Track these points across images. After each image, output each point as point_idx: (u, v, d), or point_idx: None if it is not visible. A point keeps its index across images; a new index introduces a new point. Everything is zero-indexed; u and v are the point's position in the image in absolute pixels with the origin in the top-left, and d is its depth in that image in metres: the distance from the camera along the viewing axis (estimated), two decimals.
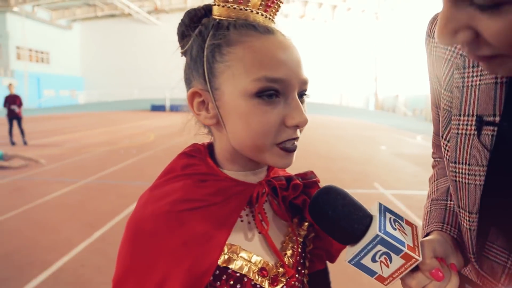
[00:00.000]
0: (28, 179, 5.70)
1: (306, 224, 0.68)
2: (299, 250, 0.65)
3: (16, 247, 3.20)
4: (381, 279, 0.52)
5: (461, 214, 0.59)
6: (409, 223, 0.56)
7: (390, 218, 0.54)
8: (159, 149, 8.30)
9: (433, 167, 0.83)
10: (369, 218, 0.53)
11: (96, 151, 8.28)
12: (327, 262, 0.75)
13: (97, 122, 16.52)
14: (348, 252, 0.53)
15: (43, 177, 5.83)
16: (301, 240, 0.66)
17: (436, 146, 0.80)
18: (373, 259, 0.51)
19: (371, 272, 0.52)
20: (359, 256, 0.52)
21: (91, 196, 4.80)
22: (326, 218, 0.53)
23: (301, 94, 0.57)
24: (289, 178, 0.65)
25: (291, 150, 0.56)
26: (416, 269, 0.52)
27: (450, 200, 0.71)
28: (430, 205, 0.72)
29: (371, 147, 9.63)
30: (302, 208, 0.65)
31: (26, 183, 5.48)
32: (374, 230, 0.51)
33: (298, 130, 0.56)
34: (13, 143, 9.23)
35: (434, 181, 0.78)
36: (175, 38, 0.62)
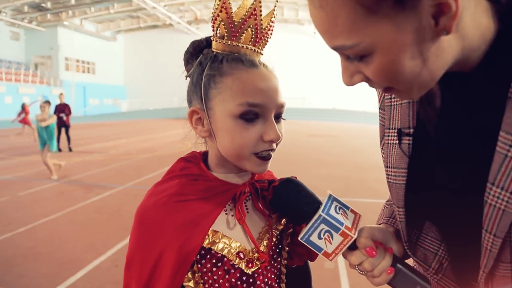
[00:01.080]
0: (71, 184, 6.06)
1: (284, 220, 0.80)
2: (275, 240, 0.78)
3: (58, 246, 3.43)
4: (326, 254, 0.65)
5: (395, 210, 0.71)
6: (354, 212, 0.69)
7: (336, 205, 0.67)
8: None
9: None
10: (317, 203, 0.66)
11: (136, 158, 8.64)
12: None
13: (138, 129, 17.19)
14: (302, 231, 0.66)
15: (84, 182, 6.17)
16: (277, 233, 0.79)
17: None
18: (319, 236, 0.64)
19: (318, 248, 0.65)
20: (308, 233, 0.65)
21: (128, 201, 5.03)
22: (282, 200, 0.69)
23: (278, 116, 0.72)
24: (271, 181, 0.77)
25: (266, 159, 0.71)
26: (355, 247, 0.66)
27: None
28: (385, 205, 0.87)
29: None
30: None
31: (69, 187, 5.83)
32: (318, 212, 0.64)
33: (274, 144, 0.71)
34: (59, 150, 9.80)
35: None
36: None
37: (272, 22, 0.74)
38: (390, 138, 0.71)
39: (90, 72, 31.29)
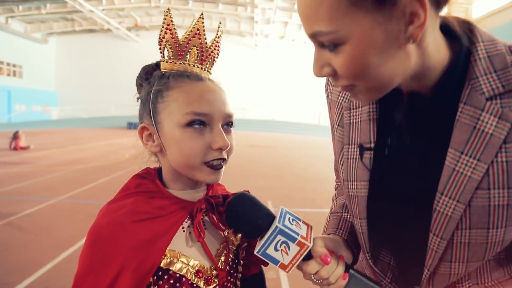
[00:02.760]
0: None
1: (240, 235, 0.82)
2: (232, 256, 0.80)
3: None
4: (283, 266, 0.67)
5: (355, 222, 0.76)
6: (305, 223, 0.72)
7: (289, 218, 0.69)
8: (132, 168, 8.17)
9: (335, 189, 1.01)
10: (271, 217, 0.69)
11: (68, 169, 8.12)
12: (271, 269, 0.88)
13: (70, 138, 16.18)
14: (257, 245, 0.67)
15: (10, 197, 5.68)
16: (234, 248, 0.81)
17: (337, 171, 0.96)
18: (276, 248, 0.66)
19: (275, 261, 0.67)
20: (265, 246, 0.66)
21: (60, 216, 4.72)
22: (237, 215, 0.69)
23: (228, 125, 0.76)
24: (226, 196, 0.79)
25: (217, 168, 0.73)
26: (310, 257, 0.68)
27: (345, 212, 0.88)
28: (329, 217, 0.91)
29: None
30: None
31: None
32: (275, 224, 0.66)
33: (224, 153, 0.73)
34: None
35: (335, 200, 0.97)
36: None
37: (218, 42, 0.79)
38: (350, 153, 0.76)
39: (17, 76, 28.86)
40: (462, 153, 0.61)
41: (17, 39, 28.17)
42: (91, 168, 8.30)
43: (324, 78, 0.77)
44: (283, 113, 27.59)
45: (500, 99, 0.59)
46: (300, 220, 0.71)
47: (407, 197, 0.70)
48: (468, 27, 0.64)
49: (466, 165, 0.61)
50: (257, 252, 0.67)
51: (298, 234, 0.66)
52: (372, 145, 0.72)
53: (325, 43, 0.57)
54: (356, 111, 0.76)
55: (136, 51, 28.93)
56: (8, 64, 27.94)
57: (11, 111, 27.31)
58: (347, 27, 0.54)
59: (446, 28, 0.64)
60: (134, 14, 27.51)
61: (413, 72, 0.61)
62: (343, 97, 0.79)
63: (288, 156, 12.02)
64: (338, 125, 0.81)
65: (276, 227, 0.66)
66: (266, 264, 0.86)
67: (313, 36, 0.58)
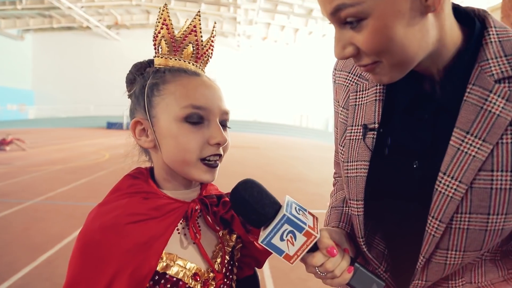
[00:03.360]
0: None
1: (235, 236, 0.81)
2: (227, 258, 0.78)
3: None
4: (288, 257, 0.63)
5: (351, 205, 0.75)
6: (311, 214, 0.69)
7: (296, 207, 0.67)
8: (113, 169, 8.03)
9: (334, 184, 1.00)
10: (278, 205, 0.66)
11: (46, 170, 7.90)
12: (257, 270, 0.88)
13: (48, 139, 15.76)
14: (261, 235, 0.64)
15: None
16: (229, 249, 0.79)
17: (337, 164, 0.96)
18: (281, 238, 0.63)
19: (280, 252, 0.63)
20: (270, 236, 0.63)
21: (37, 217, 4.58)
22: (243, 201, 0.65)
23: (224, 124, 0.73)
24: (219, 196, 0.77)
25: (213, 166, 0.71)
26: (316, 249, 0.66)
27: (345, 206, 0.87)
28: (330, 211, 0.90)
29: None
30: (231, 222, 0.77)
31: None
32: (282, 212, 0.63)
33: (221, 149, 0.71)
34: None
35: (334, 195, 0.96)
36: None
37: (212, 41, 0.77)
38: (353, 134, 0.76)
39: None
40: (467, 133, 0.61)
41: None
42: (70, 168, 8.11)
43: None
44: (266, 114, 27.66)
45: (508, 82, 0.60)
46: (306, 210, 0.69)
47: (407, 180, 0.69)
48: (482, 13, 0.65)
49: (471, 145, 0.61)
50: (262, 242, 0.64)
51: (305, 224, 0.63)
52: (376, 125, 0.72)
53: (348, 19, 0.56)
54: (363, 93, 0.76)
55: (116, 49, 28.47)
56: None
57: None
58: None
59: (460, 15, 0.65)
60: (115, 12, 27.05)
61: (433, 47, 0.61)
62: (351, 80, 0.79)
63: (270, 157, 12.05)
64: (343, 107, 0.80)
65: (284, 215, 0.63)
66: (260, 266, 0.85)
67: (336, 11, 0.56)
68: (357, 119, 0.76)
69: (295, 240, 0.63)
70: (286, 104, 28.15)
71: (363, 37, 0.57)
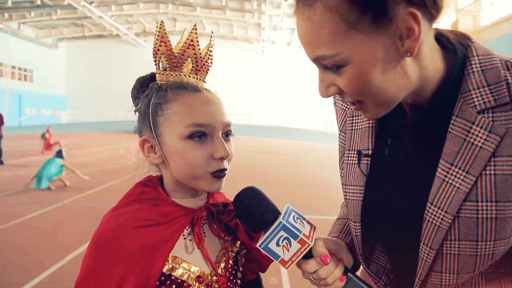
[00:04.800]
0: (2, 200, 5.64)
1: (239, 242, 0.84)
2: (231, 262, 0.81)
3: None
4: (283, 262, 0.68)
5: (351, 225, 0.78)
6: (309, 223, 0.73)
7: (294, 216, 0.71)
8: (138, 173, 8.23)
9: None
10: (277, 212, 0.70)
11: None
12: (260, 274, 0.91)
13: (78, 143, 16.33)
14: (260, 239, 0.69)
15: (18, 198, 5.77)
16: (233, 255, 0.82)
17: None
18: (277, 244, 0.67)
19: (276, 256, 0.68)
20: (267, 241, 0.67)
21: (67, 218, 4.78)
22: (244, 207, 0.70)
23: (227, 134, 0.77)
24: (225, 204, 0.81)
25: (220, 177, 0.75)
26: (310, 256, 0.69)
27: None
28: (335, 222, 0.93)
29: None
30: (235, 229, 0.81)
31: (1, 204, 5.41)
32: (279, 219, 0.68)
33: (225, 162, 0.75)
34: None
35: (342, 207, 0.98)
36: None
37: (211, 51, 0.80)
38: (350, 158, 0.78)
39: (27, 80, 29.30)
40: (452, 164, 0.62)
41: (28, 44, 28.64)
42: (98, 171, 8.39)
43: None
44: (290, 119, 27.61)
45: (492, 113, 0.60)
46: (304, 219, 0.72)
47: (400, 205, 0.71)
48: (464, 40, 0.65)
49: (455, 176, 0.62)
50: (259, 246, 0.68)
51: (300, 232, 0.67)
52: (370, 151, 0.74)
53: (328, 66, 0.60)
54: (358, 119, 0.78)
55: (144, 56, 29.16)
56: (19, 69, 28.36)
57: (22, 115, 27.68)
58: (348, 49, 0.57)
59: (443, 41, 0.66)
60: (143, 20, 27.83)
61: (414, 87, 0.63)
62: (347, 104, 0.81)
63: (294, 162, 12.02)
64: (341, 131, 0.83)
65: (280, 222, 0.67)
66: (263, 270, 0.89)
67: (316, 60, 0.60)
68: (353, 144, 0.78)
69: (290, 246, 0.66)
70: (311, 109, 28.00)
71: (343, 81, 0.60)
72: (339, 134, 0.84)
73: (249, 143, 19.35)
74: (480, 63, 0.62)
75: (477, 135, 0.60)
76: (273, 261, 0.78)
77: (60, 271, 3.18)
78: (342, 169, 0.81)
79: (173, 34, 31.22)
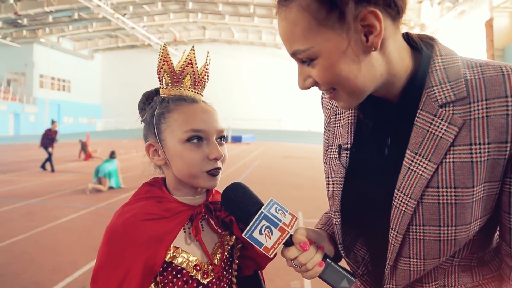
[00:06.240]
0: (40, 204, 5.94)
1: (234, 237, 0.92)
2: (226, 254, 0.90)
3: (24, 268, 3.37)
4: (266, 249, 0.74)
5: (331, 215, 0.84)
6: (291, 214, 0.78)
7: (276, 207, 0.77)
8: (145, 174, 8.41)
9: None
10: (260, 204, 0.77)
11: None
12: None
13: (112, 149, 16.87)
14: (245, 229, 0.75)
15: (55, 202, 6.06)
16: (229, 247, 0.91)
17: None
18: (260, 232, 0.74)
19: (259, 244, 0.74)
20: (251, 230, 0.74)
21: (99, 221, 4.98)
22: (230, 200, 0.80)
23: (221, 138, 0.88)
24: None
25: (215, 175, 0.85)
26: (291, 244, 0.76)
27: None
28: (322, 216, 1.01)
29: None
30: (230, 224, 0.89)
31: (38, 207, 5.72)
32: (260, 210, 0.74)
33: (219, 162, 0.85)
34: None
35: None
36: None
37: (207, 69, 0.92)
38: (332, 153, 0.85)
39: (66, 90, 30.82)
40: (416, 153, 0.68)
41: (66, 56, 30.14)
42: (130, 177, 8.63)
43: None
44: (319, 124, 27.36)
45: (452, 106, 0.66)
46: (287, 211, 0.78)
47: (375, 195, 0.76)
48: (429, 42, 0.72)
49: (419, 164, 0.67)
50: (244, 235, 0.74)
51: (280, 221, 0.74)
52: (349, 145, 0.81)
53: (304, 59, 0.67)
54: (340, 117, 0.86)
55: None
56: (58, 80, 29.82)
57: (61, 123, 29.04)
58: (318, 43, 0.64)
59: (411, 42, 0.73)
60: (173, 29, 28.59)
61: (384, 77, 0.69)
62: (332, 104, 0.90)
63: (323, 167, 11.90)
64: (325, 128, 0.91)
65: (261, 212, 0.74)
66: (261, 268, 0.96)
67: (294, 54, 0.68)
68: (335, 139, 0.85)
69: (272, 234, 0.73)
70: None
71: (316, 72, 0.67)
72: (324, 132, 0.91)
73: (278, 148, 19.34)
74: (442, 62, 0.68)
75: (438, 126, 0.66)
76: (270, 261, 0.87)
77: (91, 270, 3.30)
78: (326, 164, 0.87)
79: (203, 42, 31.92)
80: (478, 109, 0.64)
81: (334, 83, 0.67)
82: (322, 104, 0.95)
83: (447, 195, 0.65)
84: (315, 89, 0.73)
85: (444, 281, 0.74)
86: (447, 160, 0.65)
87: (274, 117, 28.36)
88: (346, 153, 0.81)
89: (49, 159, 9.80)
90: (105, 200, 6.22)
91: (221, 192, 0.84)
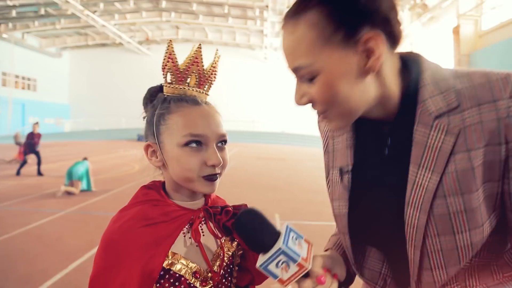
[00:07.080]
0: (4, 209, 5.65)
1: (236, 243, 0.91)
2: (226, 261, 0.87)
3: None
4: (281, 281, 0.71)
5: (341, 237, 0.84)
6: (307, 241, 0.75)
7: (293, 236, 0.73)
8: (142, 180, 8.23)
9: None
10: (277, 235, 0.72)
11: None
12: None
13: (81, 151, 16.36)
14: (260, 259, 0.71)
15: (21, 208, 5.78)
16: (229, 254, 0.88)
17: None
18: (277, 266, 0.70)
19: (274, 276, 0.70)
20: (267, 263, 0.70)
21: (70, 227, 4.78)
22: (244, 230, 0.73)
23: (222, 142, 0.85)
24: (224, 206, 0.89)
25: (212, 180, 0.82)
26: (307, 275, 0.72)
27: None
28: (330, 238, 1.00)
29: None
30: (232, 229, 0.86)
31: (2, 213, 5.42)
32: (279, 244, 0.69)
33: (218, 168, 0.82)
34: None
35: None
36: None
37: (215, 67, 0.89)
38: (333, 176, 0.85)
39: (31, 89, 29.52)
40: (419, 167, 0.69)
41: (32, 54, 28.89)
42: (101, 180, 8.39)
43: None
44: (293, 126, 27.65)
45: (447, 117, 0.67)
46: (302, 237, 0.75)
47: (383, 212, 0.76)
48: (415, 58, 0.75)
49: (423, 177, 0.69)
50: (259, 266, 0.70)
51: (299, 256, 0.70)
52: (350, 167, 0.81)
53: (304, 76, 0.68)
54: (338, 139, 0.86)
55: (147, 64, 29.40)
56: (23, 78, 28.58)
57: (25, 124, 27.77)
58: (321, 60, 0.66)
59: (401, 60, 0.74)
60: (146, 28, 28.04)
61: (376, 100, 0.71)
62: (329, 128, 0.90)
63: (297, 168, 12.01)
64: (325, 151, 0.92)
65: (280, 248, 0.69)
66: (254, 284, 0.93)
67: (295, 70, 0.69)
68: (335, 162, 0.86)
69: (289, 268, 0.70)
70: (313, 115, 27.88)
71: (315, 89, 0.68)
72: (324, 155, 0.92)
73: (252, 149, 19.36)
74: (432, 75, 0.71)
75: (435, 138, 0.68)
76: (267, 278, 0.81)
77: (64, 279, 3.17)
78: (329, 187, 0.88)
79: (176, 42, 31.28)
80: (471, 116, 0.66)
81: (331, 101, 0.68)
82: (319, 128, 0.96)
83: (455, 203, 0.67)
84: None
85: (465, 281, 0.75)
86: (449, 170, 0.66)
87: (248, 118, 28.34)
88: (348, 176, 0.81)
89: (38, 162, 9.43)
90: (76, 204, 5.99)
91: (220, 196, 0.82)
